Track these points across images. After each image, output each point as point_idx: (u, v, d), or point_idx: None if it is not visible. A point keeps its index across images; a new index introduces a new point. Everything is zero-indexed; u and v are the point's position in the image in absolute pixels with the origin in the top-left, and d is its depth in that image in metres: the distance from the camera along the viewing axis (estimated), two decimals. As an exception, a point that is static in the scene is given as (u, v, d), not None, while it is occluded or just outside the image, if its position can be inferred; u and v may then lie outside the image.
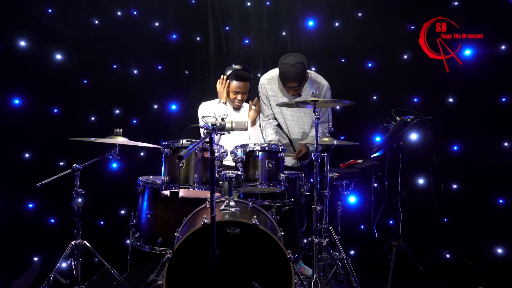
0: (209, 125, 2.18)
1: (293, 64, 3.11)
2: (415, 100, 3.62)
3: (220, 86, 3.38)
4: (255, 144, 2.65)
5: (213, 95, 3.62)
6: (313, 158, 2.65)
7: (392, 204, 3.12)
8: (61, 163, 3.13)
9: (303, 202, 2.93)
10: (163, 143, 2.64)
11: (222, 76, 3.39)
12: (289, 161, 3.39)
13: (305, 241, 3.29)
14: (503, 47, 3.32)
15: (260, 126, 3.50)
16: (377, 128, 3.27)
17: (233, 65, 3.44)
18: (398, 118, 2.96)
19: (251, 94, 3.54)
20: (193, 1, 4.32)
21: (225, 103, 3.37)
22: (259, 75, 3.77)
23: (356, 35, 3.86)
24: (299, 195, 2.86)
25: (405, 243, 3.04)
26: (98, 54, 3.45)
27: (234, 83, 3.32)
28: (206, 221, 2.17)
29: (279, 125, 3.48)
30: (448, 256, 3.43)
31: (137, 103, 3.86)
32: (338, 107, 3.72)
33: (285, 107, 3.34)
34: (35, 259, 2.96)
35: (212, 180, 2.01)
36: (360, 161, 3.38)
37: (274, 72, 3.39)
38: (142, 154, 3.88)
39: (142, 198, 2.89)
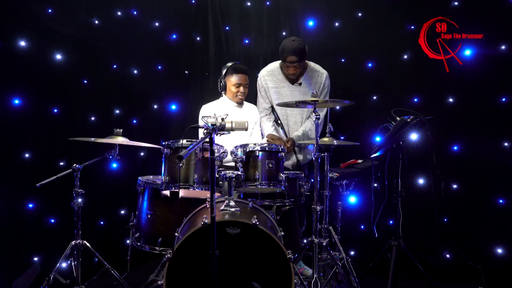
0: (209, 125, 2.18)
1: (294, 40, 3.29)
2: (415, 100, 3.62)
3: None
4: (255, 144, 2.65)
5: (213, 95, 3.62)
6: (313, 158, 2.66)
7: (392, 204, 3.12)
8: (61, 163, 3.13)
9: (303, 202, 2.93)
10: (163, 143, 2.63)
11: None
12: (289, 162, 3.41)
13: (305, 241, 3.29)
14: (503, 47, 3.31)
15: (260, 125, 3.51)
16: (377, 128, 3.28)
17: (228, 63, 3.42)
18: (398, 118, 2.96)
19: (251, 96, 3.56)
20: (193, 1, 4.31)
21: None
22: (259, 75, 3.77)
23: (356, 35, 3.86)
24: (299, 195, 2.86)
25: (405, 243, 3.04)
26: (98, 54, 3.45)
27: (235, 76, 3.31)
28: (206, 221, 2.16)
29: (276, 121, 3.49)
30: (448, 256, 3.43)
31: (137, 103, 3.85)
32: (338, 107, 3.72)
33: (285, 107, 3.34)
34: (35, 259, 2.96)
35: (212, 180, 2.00)
36: (360, 161, 3.38)
37: (274, 64, 3.49)
38: (142, 154, 3.87)
39: (142, 198, 2.89)
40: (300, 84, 3.40)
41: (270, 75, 3.46)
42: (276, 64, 3.48)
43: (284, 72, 3.39)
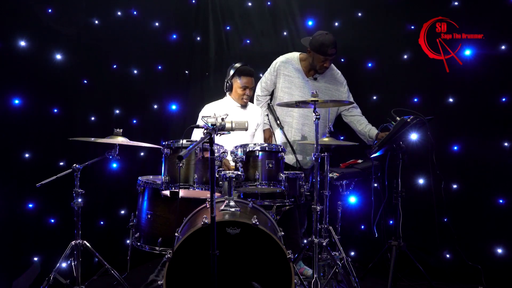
0: (209, 125, 2.18)
1: (327, 33, 3.29)
2: (415, 100, 3.62)
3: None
4: (255, 144, 2.65)
5: (214, 95, 3.61)
6: (313, 158, 2.66)
7: (392, 204, 3.12)
8: (61, 163, 3.13)
9: (303, 202, 2.93)
10: (163, 143, 2.63)
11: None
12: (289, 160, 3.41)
13: (305, 241, 3.29)
14: (503, 47, 3.32)
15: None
16: (377, 128, 3.29)
17: (235, 64, 3.41)
18: (398, 118, 2.96)
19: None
20: (193, 1, 4.31)
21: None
22: (260, 75, 3.77)
23: (356, 35, 3.86)
24: (299, 195, 2.86)
25: (405, 243, 3.04)
26: (98, 54, 3.45)
27: (243, 79, 3.27)
28: (206, 221, 2.16)
29: (275, 120, 3.49)
30: (448, 256, 3.43)
31: (137, 103, 3.85)
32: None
33: (285, 107, 3.34)
34: (35, 259, 2.96)
35: (212, 180, 2.01)
36: (360, 161, 3.39)
37: (293, 54, 3.54)
38: (142, 154, 3.88)
39: (142, 198, 2.89)
40: (315, 79, 3.42)
41: (287, 62, 3.48)
42: (295, 55, 3.52)
43: (315, 65, 3.36)
